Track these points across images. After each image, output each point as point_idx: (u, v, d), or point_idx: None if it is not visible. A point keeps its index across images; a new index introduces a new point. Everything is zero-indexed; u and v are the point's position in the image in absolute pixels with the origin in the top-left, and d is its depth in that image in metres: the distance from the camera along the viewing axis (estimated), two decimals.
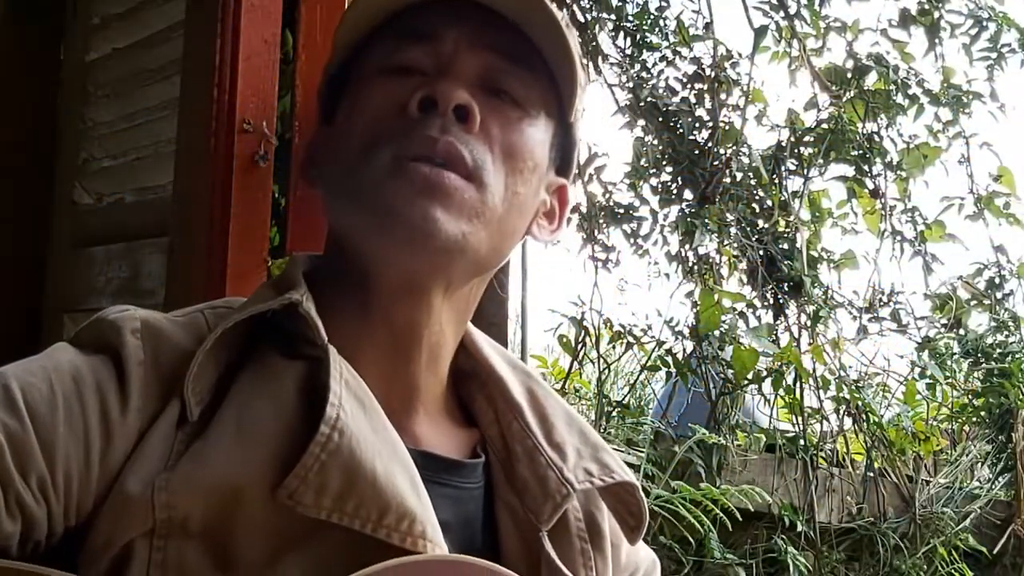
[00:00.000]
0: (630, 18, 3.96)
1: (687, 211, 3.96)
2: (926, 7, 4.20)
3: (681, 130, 3.96)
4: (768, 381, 3.88)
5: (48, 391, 0.77)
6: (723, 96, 4.01)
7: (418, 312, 0.87)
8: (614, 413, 3.89)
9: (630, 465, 3.32)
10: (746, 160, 4.00)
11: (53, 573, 0.70)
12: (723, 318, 3.79)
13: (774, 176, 4.07)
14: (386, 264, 0.84)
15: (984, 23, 4.25)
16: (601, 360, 3.87)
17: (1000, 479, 4.28)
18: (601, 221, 3.93)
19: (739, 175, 4.05)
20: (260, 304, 0.84)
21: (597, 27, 3.88)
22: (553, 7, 0.87)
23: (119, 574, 0.75)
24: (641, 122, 3.98)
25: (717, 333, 3.80)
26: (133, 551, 0.75)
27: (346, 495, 0.76)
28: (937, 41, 4.22)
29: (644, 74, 3.97)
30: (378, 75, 0.87)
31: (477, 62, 0.86)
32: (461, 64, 0.86)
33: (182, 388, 0.79)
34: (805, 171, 4.18)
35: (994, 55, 4.26)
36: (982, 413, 4.45)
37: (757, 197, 4.07)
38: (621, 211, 3.99)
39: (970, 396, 4.53)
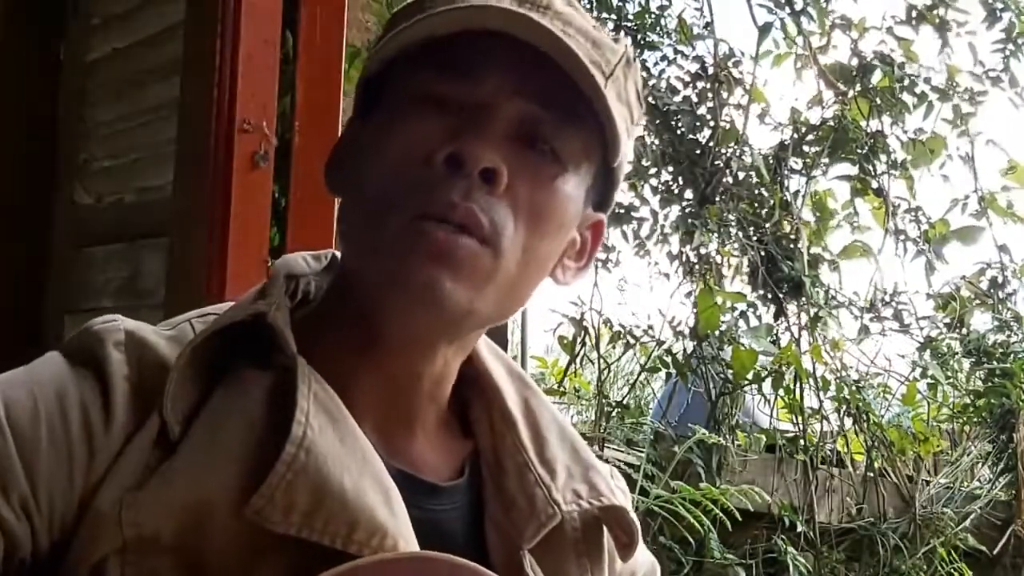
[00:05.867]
0: (630, 17, 3.96)
1: (687, 211, 3.96)
2: (934, 2, 4.20)
3: (682, 130, 3.96)
4: (768, 381, 3.89)
5: (31, 406, 0.76)
6: (724, 95, 4.01)
7: (421, 360, 0.86)
8: (614, 413, 3.90)
9: (630, 465, 3.32)
10: (747, 160, 4.00)
11: None
12: (723, 318, 3.79)
13: (776, 175, 4.07)
14: (390, 320, 0.82)
15: (998, 13, 4.26)
16: (601, 360, 3.88)
17: (1001, 479, 4.27)
18: None
19: (740, 175, 4.05)
20: (230, 315, 0.83)
21: None
22: (607, 49, 0.84)
23: None
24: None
25: (717, 333, 3.80)
26: (106, 567, 0.75)
27: (314, 512, 0.75)
28: (946, 37, 4.22)
29: (644, 74, 3.97)
30: (413, 102, 0.83)
31: (515, 112, 0.82)
32: (497, 113, 0.82)
33: (162, 404, 0.77)
34: (808, 170, 4.18)
35: (1010, 46, 4.26)
36: (983, 413, 4.45)
37: (758, 197, 4.07)
38: (621, 211, 3.99)
39: (971, 396, 4.52)
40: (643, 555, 0.97)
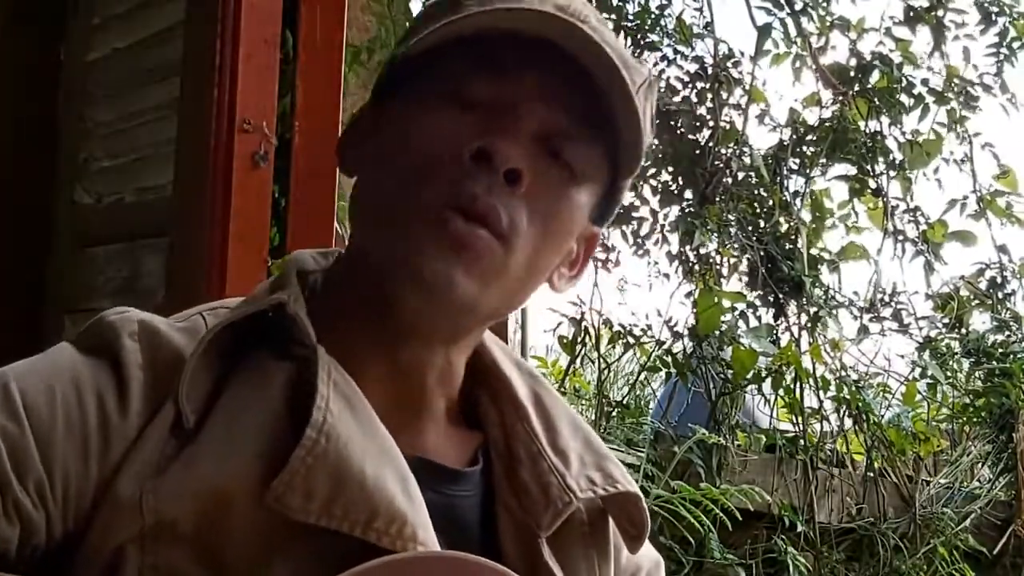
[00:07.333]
0: (630, 17, 3.96)
1: (687, 211, 3.96)
2: (933, 3, 4.20)
3: (682, 130, 3.96)
4: (768, 381, 3.89)
5: (47, 394, 0.76)
6: (724, 95, 4.02)
7: (424, 352, 0.86)
8: (614, 413, 3.90)
9: (630, 465, 3.32)
10: (747, 160, 4.00)
11: None
12: (723, 318, 3.79)
13: (776, 175, 4.07)
14: (397, 306, 0.83)
15: (993, 17, 4.26)
16: (601, 360, 3.88)
17: (1001, 479, 4.27)
18: None
19: (740, 175, 4.05)
20: (248, 306, 0.84)
21: None
22: (633, 70, 0.84)
23: None
24: None
25: (717, 333, 3.80)
26: (125, 555, 0.75)
27: (334, 498, 0.76)
28: (942, 39, 4.23)
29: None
30: (442, 94, 0.84)
31: (542, 117, 0.84)
32: (525, 115, 0.83)
33: (177, 393, 0.78)
34: (807, 170, 4.19)
35: (1004, 50, 4.27)
36: (983, 413, 4.45)
37: (758, 197, 4.07)
38: (621, 211, 3.99)
39: (971, 396, 4.53)
40: (647, 551, 0.97)
